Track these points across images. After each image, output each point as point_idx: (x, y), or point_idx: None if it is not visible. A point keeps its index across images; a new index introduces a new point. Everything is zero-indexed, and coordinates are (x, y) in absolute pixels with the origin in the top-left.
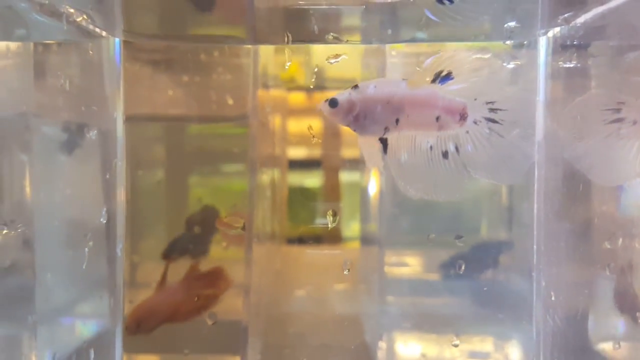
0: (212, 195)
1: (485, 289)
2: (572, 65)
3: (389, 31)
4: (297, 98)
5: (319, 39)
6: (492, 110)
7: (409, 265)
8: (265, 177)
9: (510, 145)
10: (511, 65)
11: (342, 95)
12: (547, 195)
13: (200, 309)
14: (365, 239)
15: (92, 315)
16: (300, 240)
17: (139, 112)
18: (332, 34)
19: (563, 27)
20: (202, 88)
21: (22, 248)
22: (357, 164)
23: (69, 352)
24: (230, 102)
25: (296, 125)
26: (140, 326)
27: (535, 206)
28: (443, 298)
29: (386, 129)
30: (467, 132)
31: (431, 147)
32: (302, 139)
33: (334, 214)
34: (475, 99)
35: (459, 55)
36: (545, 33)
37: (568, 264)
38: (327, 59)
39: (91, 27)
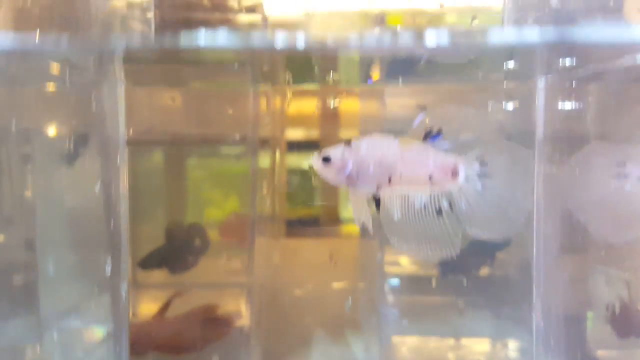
0: (212, 181)
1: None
2: (571, 107)
3: (387, 74)
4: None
5: (320, 80)
6: (483, 164)
7: (406, 264)
8: (264, 159)
9: (504, 200)
10: (509, 106)
11: (334, 151)
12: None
13: (197, 347)
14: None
15: (97, 317)
16: (300, 223)
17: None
18: (332, 75)
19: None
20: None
21: (25, 250)
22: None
23: (75, 354)
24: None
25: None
26: (133, 346)
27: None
28: (441, 295)
29: (378, 187)
30: (460, 188)
31: (424, 205)
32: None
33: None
34: (466, 155)
35: (447, 112)
36: (544, 75)
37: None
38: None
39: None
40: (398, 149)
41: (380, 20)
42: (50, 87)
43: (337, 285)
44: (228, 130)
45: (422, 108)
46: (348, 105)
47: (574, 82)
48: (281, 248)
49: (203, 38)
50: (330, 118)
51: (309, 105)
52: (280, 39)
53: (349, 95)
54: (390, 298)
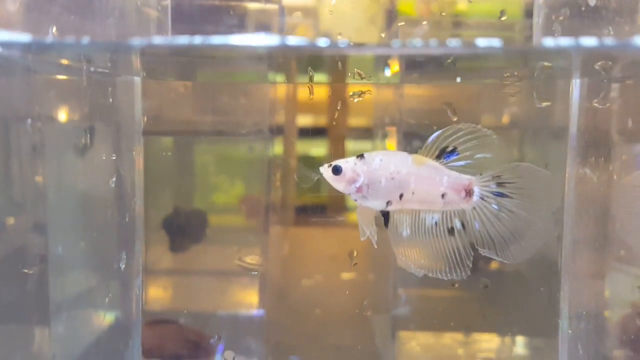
0: (222, 166)
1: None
2: (605, 107)
3: (412, 71)
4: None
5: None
6: (500, 184)
7: None
8: (277, 147)
9: (521, 222)
10: (542, 105)
11: (346, 163)
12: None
13: None
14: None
15: (109, 305)
16: (311, 212)
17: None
18: (357, 71)
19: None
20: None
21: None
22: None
23: (86, 342)
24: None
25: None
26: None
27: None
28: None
29: (389, 203)
30: (474, 208)
31: (436, 223)
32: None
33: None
34: (481, 174)
35: (463, 130)
36: (579, 76)
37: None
38: (351, 96)
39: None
40: (412, 165)
41: (391, 5)
42: (67, 78)
43: (350, 277)
44: (243, 121)
45: (449, 106)
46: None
47: (609, 82)
48: (292, 237)
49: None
50: (344, 108)
51: (323, 96)
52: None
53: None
54: (403, 290)
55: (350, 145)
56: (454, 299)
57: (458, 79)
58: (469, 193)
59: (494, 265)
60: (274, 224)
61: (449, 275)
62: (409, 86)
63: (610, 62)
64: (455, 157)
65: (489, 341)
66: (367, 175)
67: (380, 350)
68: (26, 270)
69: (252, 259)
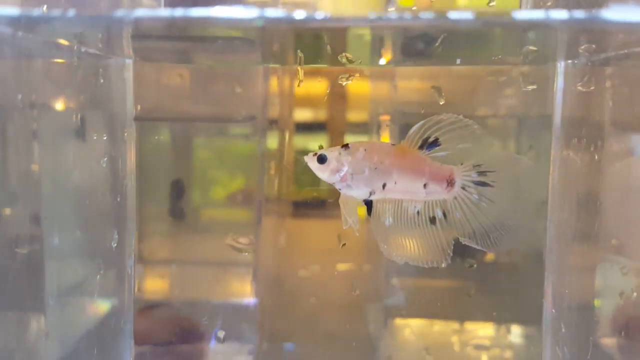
0: (218, 160)
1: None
2: (590, 91)
3: (401, 54)
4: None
5: (330, 59)
6: (481, 173)
7: None
8: (272, 140)
9: (502, 211)
10: (528, 89)
11: (331, 153)
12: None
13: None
14: None
15: (102, 293)
16: (306, 204)
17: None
18: (345, 54)
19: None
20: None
21: (30, 225)
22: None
23: (80, 330)
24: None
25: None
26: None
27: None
28: (448, 279)
29: (372, 192)
30: (456, 198)
31: (418, 212)
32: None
33: None
34: (462, 164)
35: (445, 121)
36: (564, 59)
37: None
38: (339, 79)
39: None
40: (395, 156)
41: None
42: (59, 61)
43: (342, 266)
44: (237, 109)
45: (438, 90)
46: (358, 86)
47: (593, 66)
48: (287, 229)
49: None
50: (339, 99)
51: (318, 86)
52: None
53: (359, 76)
54: (395, 280)
55: (341, 129)
56: (445, 287)
57: (458, 61)
58: (450, 183)
59: (485, 255)
60: (267, 214)
61: (429, 263)
62: (402, 74)
63: (593, 45)
64: (437, 147)
65: (480, 328)
66: (351, 165)
67: (372, 337)
68: (18, 250)
69: (244, 239)
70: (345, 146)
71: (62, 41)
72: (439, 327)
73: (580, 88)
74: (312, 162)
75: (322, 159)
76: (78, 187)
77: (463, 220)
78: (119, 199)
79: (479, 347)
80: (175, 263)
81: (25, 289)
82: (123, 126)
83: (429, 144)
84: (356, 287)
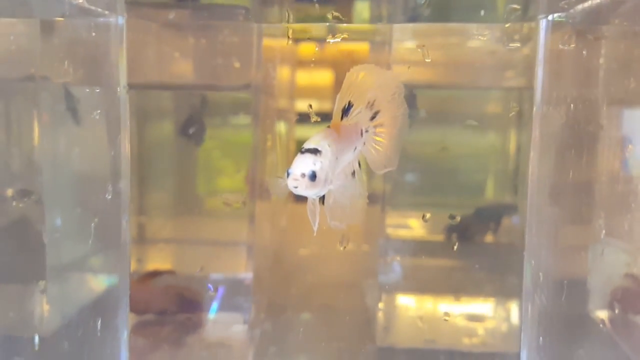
0: (220, 150)
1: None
2: (572, 48)
3: (388, 11)
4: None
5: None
6: (373, 114)
7: (411, 227)
8: (272, 130)
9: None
10: (510, 47)
11: (315, 164)
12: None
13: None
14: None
15: (101, 271)
16: None
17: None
18: (332, 12)
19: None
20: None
21: (33, 205)
22: None
23: (79, 306)
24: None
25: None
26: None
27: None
28: (444, 260)
29: (330, 182)
30: (364, 143)
31: (346, 176)
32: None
33: None
34: (360, 112)
35: (350, 80)
36: (546, 16)
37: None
38: (327, 39)
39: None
40: (339, 138)
41: None
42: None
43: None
44: (231, 78)
45: (423, 48)
46: (348, 46)
47: (574, 23)
48: (288, 212)
49: None
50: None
51: (308, 47)
52: None
53: (348, 36)
54: (391, 259)
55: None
56: (438, 265)
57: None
58: (361, 132)
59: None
60: (262, 195)
61: (358, 219)
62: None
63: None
64: (352, 109)
65: (470, 301)
66: (329, 168)
67: (369, 311)
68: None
69: (235, 197)
70: (316, 151)
71: None
72: (431, 300)
73: (561, 46)
74: (301, 184)
75: (313, 176)
76: (76, 166)
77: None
78: (112, 149)
79: (471, 318)
80: (174, 241)
81: (27, 263)
82: (117, 97)
83: (345, 110)
84: (352, 266)
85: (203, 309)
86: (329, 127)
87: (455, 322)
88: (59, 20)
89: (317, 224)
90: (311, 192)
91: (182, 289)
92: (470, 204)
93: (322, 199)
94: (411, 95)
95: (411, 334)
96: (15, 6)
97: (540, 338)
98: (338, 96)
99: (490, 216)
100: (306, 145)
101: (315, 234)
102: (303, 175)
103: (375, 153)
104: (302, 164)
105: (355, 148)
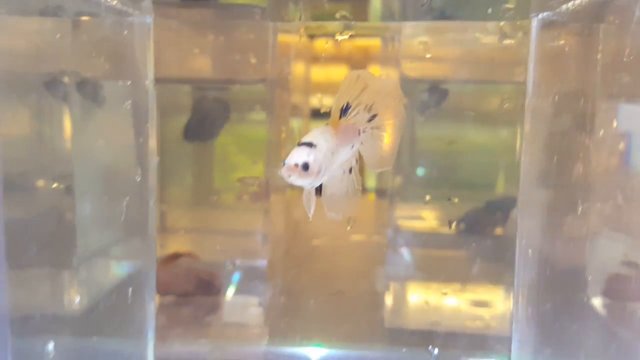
0: (236, 145)
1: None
2: (561, 44)
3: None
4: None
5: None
6: (371, 116)
7: (422, 218)
8: (287, 126)
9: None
10: (504, 44)
11: (309, 156)
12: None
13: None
14: (379, 191)
15: (128, 256)
16: None
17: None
18: (341, 12)
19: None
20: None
21: (64, 195)
22: None
23: (108, 289)
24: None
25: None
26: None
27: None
28: (451, 250)
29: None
30: (362, 143)
31: (344, 172)
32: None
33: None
34: (358, 113)
35: (346, 84)
36: (538, 15)
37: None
38: (335, 37)
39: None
40: (337, 135)
41: None
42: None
43: (354, 238)
44: (248, 73)
45: (424, 44)
46: (356, 43)
47: (564, 21)
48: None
49: None
50: (340, 55)
51: (320, 44)
52: None
53: (355, 33)
54: (400, 250)
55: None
56: (444, 255)
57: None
58: (359, 132)
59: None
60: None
61: (353, 211)
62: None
63: None
64: (350, 109)
65: (473, 287)
66: (323, 162)
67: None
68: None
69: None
70: (310, 145)
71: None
72: (437, 285)
73: (551, 43)
74: (294, 174)
75: (305, 166)
76: (103, 157)
77: (367, 157)
78: (140, 136)
79: (474, 303)
80: (195, 231)
81: (58, 249)
82: (145, 91)
83: (343, 111)
84: (362, 254)
85: (222, 292)
86: (327, 124)
87: (459, 307)
88: (94, 19)
89: (312, 211)
90: (304, 182)
91: (202, 272)
92: (479, 197)
93: (319, 190)
94: (442, 91)
95: (417, 316)
96: (54, 8)
97: (529, 309)
98: (336, 97)
99: (500, 209)
100: (303, 139)
101: (310, 219)
102: (296, 165)
103: (371, 153)
104: (297, 155)
105: (353, 146)
